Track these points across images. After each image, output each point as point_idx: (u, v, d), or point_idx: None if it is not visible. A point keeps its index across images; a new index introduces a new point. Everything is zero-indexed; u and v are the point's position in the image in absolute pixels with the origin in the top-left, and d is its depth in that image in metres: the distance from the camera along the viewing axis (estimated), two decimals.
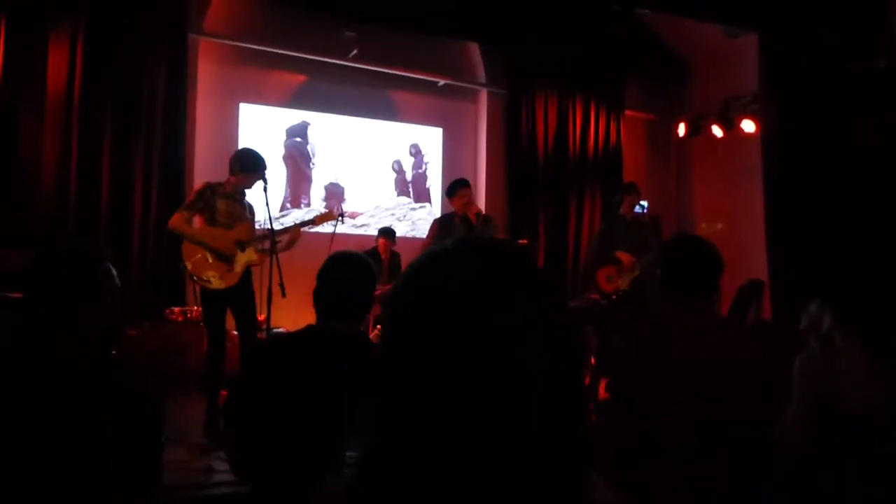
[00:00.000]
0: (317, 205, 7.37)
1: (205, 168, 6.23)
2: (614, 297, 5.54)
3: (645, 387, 2.07)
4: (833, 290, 2.59)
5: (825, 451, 2.16)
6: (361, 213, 7.65)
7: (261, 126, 7.11)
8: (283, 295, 4.01)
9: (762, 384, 2.07)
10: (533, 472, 0.64)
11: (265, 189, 4.24)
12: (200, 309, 4.80)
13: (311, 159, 7.47)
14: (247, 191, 4.38)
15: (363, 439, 0.69)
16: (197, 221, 4.22)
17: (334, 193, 7.48)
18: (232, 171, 4.28)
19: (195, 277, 4.18)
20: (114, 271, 1.93)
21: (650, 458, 2.01)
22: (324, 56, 7.14)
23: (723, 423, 1.98)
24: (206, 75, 6.77)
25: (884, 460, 1.79)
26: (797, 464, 2.22)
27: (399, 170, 7.94)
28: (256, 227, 4.53)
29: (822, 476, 2.20)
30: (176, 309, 5.83)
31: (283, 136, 7.29)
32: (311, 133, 7.45)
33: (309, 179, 7.45)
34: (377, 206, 7.77)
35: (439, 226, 5.25)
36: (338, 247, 5.75)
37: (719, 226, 6.22)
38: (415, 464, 0.64)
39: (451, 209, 5.38)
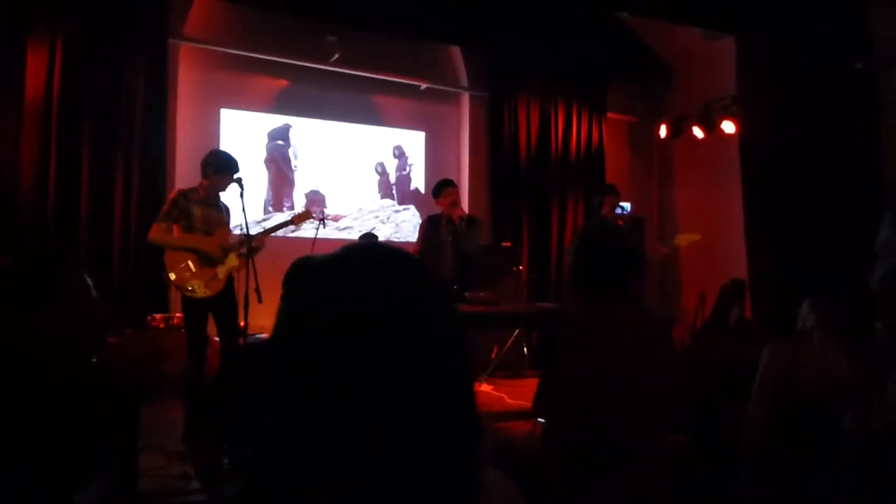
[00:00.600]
0: (300, 209, 7.35)
1: (186, 174, 6.20)
2: None
3: (568, 391, 2.08)
4: (817, 290, 2.60)
5: (781, 443, 2.17)
6: (344, 217, 7.64)
7: (243, 131, 7.10)
8: (260, 300, 4.00)
9: (674, 381, 2.10)
10: (418, 460, 0.65)
11: (241, 193, 4.22)
12: (182, 315, 4.78)
13: (292, 162, 7.45)
14: (221, 193, 4.37)
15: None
16: (174, 230, 4.20)
17: (315, 200, 7.46)
18: (205, 175, 4.26)
19: (180, 288, 4.17)
20: (89, 281, 1.93)
21: (585, 463, 2.02)
22: (305, 61, 7.14)
23: (642, 422, 2.00)
24: (187, 80, 6.75)
25: (842, 458, 1.81)
26: (755, 455, 2.24)
27: (382, 171, 7.94)
28: (233, 231, 4.52)
29: (779, 466, 2.22)
30: (157, 316, 5.81)
31: (265, 140, 7.27)
32: (293, 136, 7.43)
33: (291, 183, 7.44)
34: (360, 209, 7.77)
35: (428, 225, 5.30)
36: (320, 251, 5.79)
37: (697, 237, 6.30)
38: (303, 463, 0.65)
39: (436, 210, 5.40)
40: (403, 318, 0.68)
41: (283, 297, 0.75)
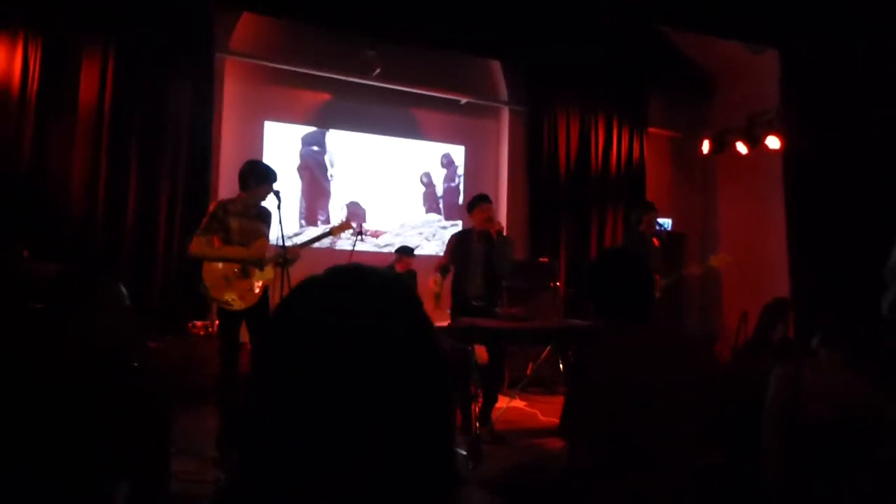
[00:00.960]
0: (336, 222, 7.42)
1: (229, 185, 6.32)
2: None
3: (601, 405, 2.07)
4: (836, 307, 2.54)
5: (792, 463, 2.12)
6: (385, 233, 7.66)
7: (285, 144, 7.23)
8: None
9: (705, 394, 2.07)
10: (394, 477, 0.67)
11: (279, 205, 4.28)
12: (218, 323, 4.86)
13: (328, 170, 7.48)
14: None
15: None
16: (214, 242, 4.27)
17: (356, 213, 7.49)
18: (244, 186, 4.31)
19: (216, 300, 4.23)
20: (123, 290, 2.01)
21: (614, 474, 2.01)
22: (347, 75, 7.25)
23: (668, 440, 1.98)
24: (232, 94, 6.92)
25: (853, 475, 1.76)
26: (779, 486, 2.18)
27: (428, 183, 7.94)
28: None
29: (793, 488, 2.17)
30: (198, 323, 5.94)
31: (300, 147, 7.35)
32: (330, 143, 7.47)
33: (327, 193, 7.48)
34: (403, 225, 7.79)
35: (456, 242, 5.24)
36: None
37: (730, 259, 6.19)
38: (279, 475, 0.67)
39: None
40: (373, 340, 0.70)
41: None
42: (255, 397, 0.73)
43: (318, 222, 7.35)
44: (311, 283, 0.77)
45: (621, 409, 2.06)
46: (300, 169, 7.33)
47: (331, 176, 7.47)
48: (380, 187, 7.69)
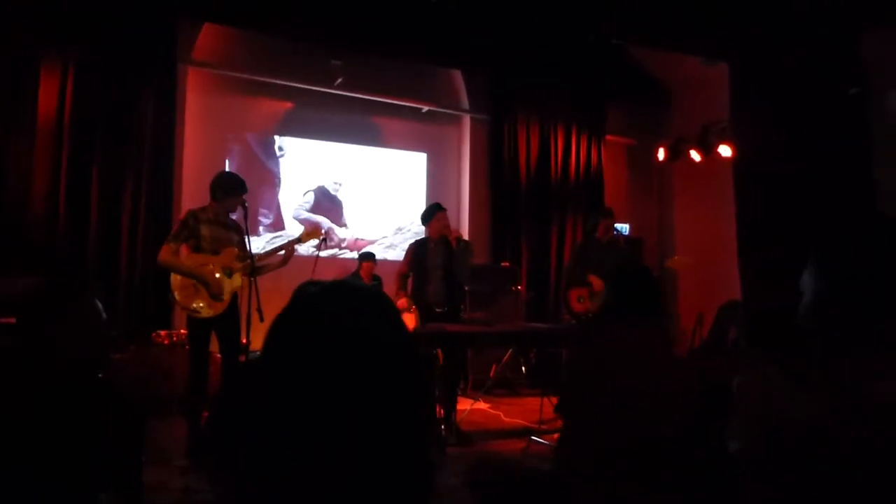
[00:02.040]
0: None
1: (193, 195, 6.34)
2: (585, 318, 5.66)
3: (593, 409, 2.19)
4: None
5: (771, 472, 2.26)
6: (372, 242, 7.86)
7: (248, 153, 7.26)
8: (261, 320, 4.09)
9: (704, 406, 2.18)
10: (372, 472, 0.78)
11: (245, 215, 4.35)
12: (186, 332, 4.89)
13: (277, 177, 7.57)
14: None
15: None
16: (183, 249, 4.32)
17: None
18: (214, 197, 4.37)
19: (184, 308, 4.27)
20: (99, 304, 2.06)
21: (603, 475, 2.12)
22: (310, 84, 7.31)
23: (667, 444, 2.09)
24: (195, 103, 6.93)
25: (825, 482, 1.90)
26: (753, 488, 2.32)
27: None
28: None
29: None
30: (162, 332, 5.92)
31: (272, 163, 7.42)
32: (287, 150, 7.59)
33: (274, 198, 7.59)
34: (400, 229, 8.03)
35: (414, 251, 5.32)
36: (321, 270, 5.92)
37: (690, 261, 6.41)
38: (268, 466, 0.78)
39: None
40: (354, 350, 0.81)
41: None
42: (258, 397, 0.83)
43: (261, 229, 7.36)
44: (308, 297, 0.87)
45: (614, 408, 2.17)
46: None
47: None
48: (347, 196, 7.78)
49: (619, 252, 6.18)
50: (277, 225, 7.43)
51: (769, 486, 1.02)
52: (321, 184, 7.75)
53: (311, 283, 0.92)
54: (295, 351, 0.83)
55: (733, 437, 2.51)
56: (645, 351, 2.27)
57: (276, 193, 7.49)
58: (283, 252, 4.55)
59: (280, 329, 0.87)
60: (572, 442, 2.38)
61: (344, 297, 0.87)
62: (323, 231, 5.75)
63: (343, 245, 7.80)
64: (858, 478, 0.87)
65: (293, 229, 7.40)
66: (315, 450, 0.77)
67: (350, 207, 7.85)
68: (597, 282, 5.75)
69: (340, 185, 7.89)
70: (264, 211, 7.39)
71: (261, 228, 7.30)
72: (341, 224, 7.81)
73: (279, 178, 7.49)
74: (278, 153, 7.46)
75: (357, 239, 7.88)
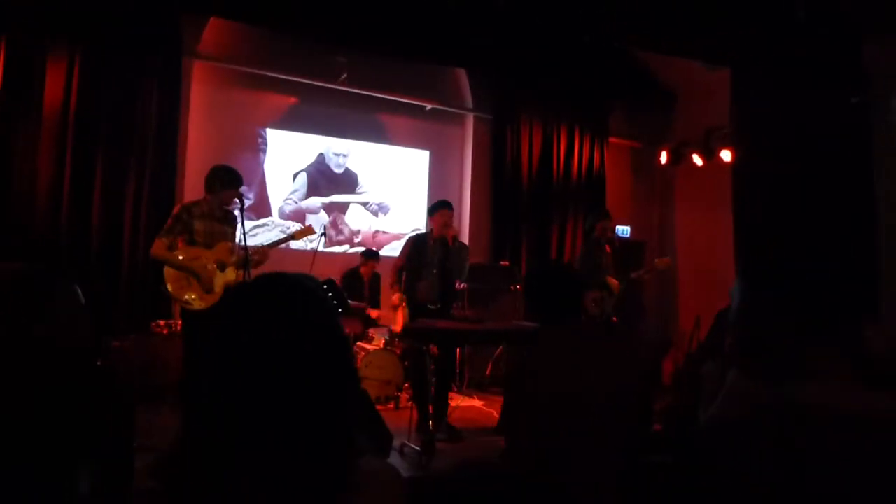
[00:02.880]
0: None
1: (196, 188, 6.36)
2: (598, 320, 5.70)
3: (529, 408, 2.22)
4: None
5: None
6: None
7: (252, 147, 7.32)
8: None
9: (635, 394, 2.22)
10: (304, 443, 0.83)
11: (241, 208, 4.40)
12: (181, 324, 4.96)
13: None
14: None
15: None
16: (178, 243, 4.37)
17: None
18: (209, 189, 4.44)
19: (176, 299, 4.34)
20: (78, 290, 2.09)
21: (546, 475, 2.15)
22: (314, 80, 7.37)
23: (605, 434, 2.13)
24: (199, 97, 6.99)
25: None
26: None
27: None
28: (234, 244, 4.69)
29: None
30: (161, 322, 6.00)
31: (274, 157, 7.47)
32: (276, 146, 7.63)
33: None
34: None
35: (412, 245, 5.36)
36: (320, 265, 5.97)
37: (668, 261, 6.50)
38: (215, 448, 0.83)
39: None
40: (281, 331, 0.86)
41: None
42: (198, 383, 0.88)
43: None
44: (236, 290, 0.93)
45: (552, 411, 2.21)
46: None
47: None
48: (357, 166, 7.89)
49: (618, 253, 6.22)
50: (262, 212, 7.45)
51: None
52: (316, 158, 7.74)
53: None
54: (214, 343, 0.88)
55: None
56: (565, 351, 2.29)
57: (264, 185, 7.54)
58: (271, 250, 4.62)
59: (214, 318, 0.92)
60: (516, 454, 2.39)
61: (266, 289, 0.92)
62: (321, 228, 5.81)
63: (356, 241, 7.85)
64: (775, 473, 0.92)
65: (280, 217, 7.49)
66: (243, 436, 0.82)
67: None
68: (614, 283, 5.83)
69: (346, 156, 7.87)
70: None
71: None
72: (350, 207, 7.84)
73: (263, 171, 7.51)
74: (268, 145, 7.48)
75: (377, 232, 7.93)
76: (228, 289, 0.91)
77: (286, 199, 7.56)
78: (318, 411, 0.86)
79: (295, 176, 7.63)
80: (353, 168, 7.91)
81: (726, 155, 7.68)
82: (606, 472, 2.21)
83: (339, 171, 7.84)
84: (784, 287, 1.09)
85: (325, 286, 1.02)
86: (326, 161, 7.78)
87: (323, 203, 7.70)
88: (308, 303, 0.92)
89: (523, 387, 2.27)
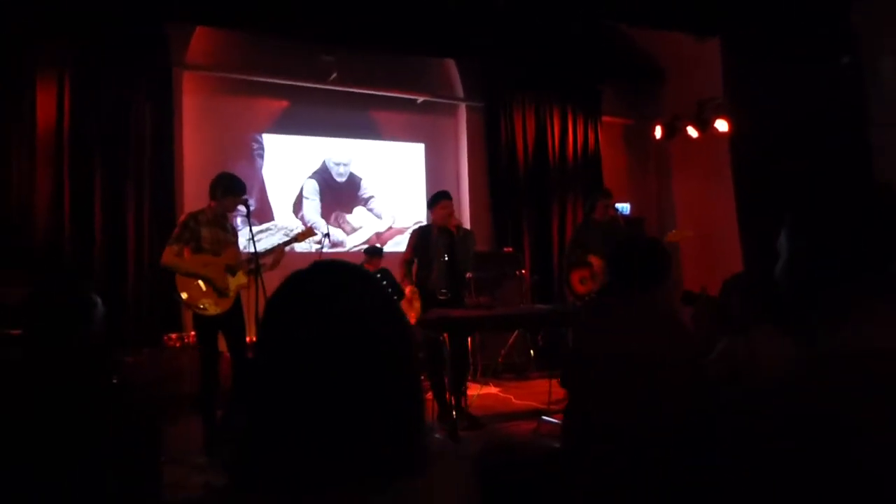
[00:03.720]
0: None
1: (194, 196, 6.39)
2: (588, 298, 5.70)
3: (590, 380, 2.25)
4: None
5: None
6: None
7: (247, 153, 7.31)
8: None
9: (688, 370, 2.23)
10: (374, 426, 0.84)
11: (248, 214, 4.42)
12: (195, 333, 4.96)
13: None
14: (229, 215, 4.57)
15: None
16: (185, 252, 4.39)
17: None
18: (213, 197, 4.45)
19: (191, 306, 4.35)
20: (97, 299, 2.09)
21: (600, 447, 2.17)
22: (304, 81, 7.35)
23: (662, 411, 2.15)
24: (192, 106, 6.98)
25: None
26: None
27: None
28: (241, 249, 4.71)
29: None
30: (173, 335, 6.01)
31: (271, 162, 7.47)
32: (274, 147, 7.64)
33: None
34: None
35: (417, 237, 5.37)
36: None
37: (690, 233, 6.44)
38: (286, 436, 0.83)
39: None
40: (348, 325, 0.87)
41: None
42: (257, 375, 0.88)
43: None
44: (298, 278, 0.93)
45: (608, 375, 2.23)
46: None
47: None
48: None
49: (619, 231, 6.21)
50: (264, 217, 7.45)
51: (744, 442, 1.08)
52: (319, 166, 7.77)
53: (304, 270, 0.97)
54: (282, 332, 0.88)
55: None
56: (642, 322, 2.33)
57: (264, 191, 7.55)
58: (274, 253, 4.64)
59: (268, 312, 0.92)
60: (576, 413, 2.44)
61: (327, 276, 0.92)
62: (320, 232, 5.83)
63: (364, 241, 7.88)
64: (827, 426, 0.92)
65: (282, 221, 7.47)
66: (311, 430, 0.83)
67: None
68: (596, 261, 5.80)
69: (347, 164, 7.89)
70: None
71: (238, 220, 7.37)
72: (353, 210, 7.87)
73: (262, 176, 7.53)
74: (264, 150, 7.48)
75: (378, 234, 7.95)
76: (290, 276, 0.91)
77: (306, 206, 7.59)
78: (392, 393, 0.87)
79: (303, 187, 7.65)
80: (356, 173, 7.91)
81: (721, 125, 7.68)
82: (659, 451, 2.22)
83: (341, 180, 7.86)
84: (836, 233, 1.10)
85: (378, 275, 1.02)
86: (329, 171, 7.78)
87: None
88: (373, 287, 0.93)
89: (596, 358, 2.29)
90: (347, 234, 7.83)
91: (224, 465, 0.94)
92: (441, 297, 5.14)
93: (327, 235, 6.27)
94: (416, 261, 5.30)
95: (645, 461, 2.10)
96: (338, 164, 7.83)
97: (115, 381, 4.93)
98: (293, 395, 0.84)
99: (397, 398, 0.87)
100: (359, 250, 7.59)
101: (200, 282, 4.34)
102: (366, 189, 7.98)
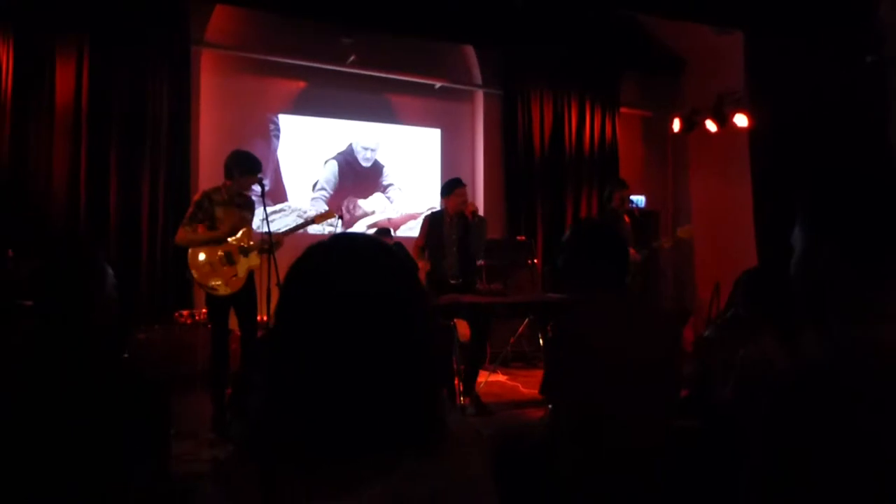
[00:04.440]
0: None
1: (210, 175, 6.40)
2: None
3: (574, 374, 2.22)
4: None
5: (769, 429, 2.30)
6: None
7: (263, 133, 7.32)
8: None
9: (672, 362, 2.21)
10: (392, 399, 0.83)
11: (262, 193, 4.41)
12: (206, 311, 4.99)
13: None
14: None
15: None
16: (199, 231, 4.39)
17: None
18: (228, 175, 4.43)
19: (202, 286, 4.37)
20: (109, 270, 2.09)
21: (589, 439, 2.16)
22: (322, 63, 7.34)
23: (644, 401, 2.14)
24: (209, 84, 6.98)
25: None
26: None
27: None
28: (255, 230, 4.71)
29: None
30: (184, 312, 6.05)
31: (287, 143, 7.47)
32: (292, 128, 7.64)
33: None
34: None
35: (430, 223, 5.35)
36: None
37: (692, 231, 6.44)
38: (302, 404, 0.83)
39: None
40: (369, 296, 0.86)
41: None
42: (277, 345, 0.88)
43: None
44: (317, 249, 0.93)
45: (595, 375, 2.21)
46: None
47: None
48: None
49: (637, 223, 6.20)
50: (278, 198, 7.45)
51: (768, 443, 1.07)
52: (346, 148, 7.77)
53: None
54: (300, 304, 0.88)
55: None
56: (615, 315, 2.29)
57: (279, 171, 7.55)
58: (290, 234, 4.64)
59: (287, 283, 0.92)
60: (559, 420, 2.39)
61: (345, 250, 0.92)
62: (337, 212, 5.83)
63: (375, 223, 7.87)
64: (853, 419, 0.91)
65: (296, 202, 7.49)
66: (327, 402, 0.83)
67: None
68: (632, 252, 5.80)
69: (374, 150, 7.89)
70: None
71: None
72: (369, 196, 7.87)
73: (277, 157, 7.52)
74: (280, 131, 7.48)
75: (390, 219, 7.96)
76: (308, 248, 0.90)
77: (319, 189, 7.59)
78: (410, 367, 0.86)
79: (326, 162, 7.64)
80: (380, 160, 7.92)
81: (740, 120, 7.60)
82: (644, 436, 2.22)
83: (367, 164, 7.86)
84: (851, 228, 1.08)
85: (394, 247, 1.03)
86: (354, 154, 7.78)
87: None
88: (392, 259, 0.92)
89: (568, 349, 2.27)
90: (358, 219, 7.83)
91: (234, 438, 0.94)
92: (453, 283, 5.14)
93: (341, 218, 6.27)
94: (427, 247, 5.29)
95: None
96: (365, 149, 7.83)
97: (126, 355, 5.00)
98: (310, 366, 0.84)
99: (415, 372, 0.86)
100: (369, 232, 7.60)
101: (211, 262, 4.33)
102: (387, 176, 7.97)
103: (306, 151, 7.59)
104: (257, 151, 6.62)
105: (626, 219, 6.14)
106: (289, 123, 7.50)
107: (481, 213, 7.78)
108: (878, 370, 0.93)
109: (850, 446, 0.91)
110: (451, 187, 5.30)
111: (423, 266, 5.21)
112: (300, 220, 5.05)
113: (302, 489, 0.81)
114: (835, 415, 0.92)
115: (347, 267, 0.88)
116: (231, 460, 0.91)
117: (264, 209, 4.42)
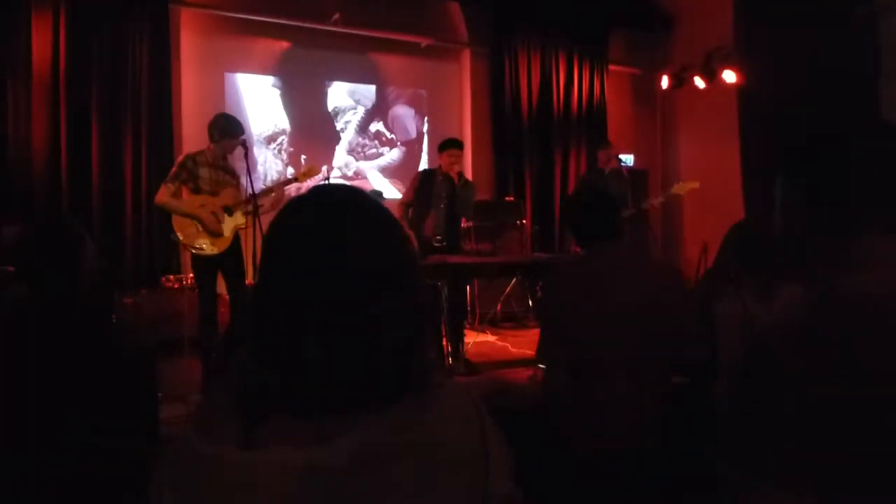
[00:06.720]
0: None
1: (192, 137, 6.33)
2: None
3: (568, 327, 2.22)
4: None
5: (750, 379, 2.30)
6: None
7: (246, 94, 7.20)
8: None
9: (672, 316, 2.20)
10: (374, 350, 0.82)
11: (246, 154, 4.36)
12: (193, 274, 4.96)
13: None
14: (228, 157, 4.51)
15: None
16: (183, 192, 4.35)
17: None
18: (211, 138, 4.39)
19: (187, 246, 4.34)
20: (87, 235, 2.06)
21: (584, 395, 2.16)
22: (306, 22, 7.19)
23: (641, 355, 2.13)
24: (190, 45, 6.83)
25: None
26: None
27: None
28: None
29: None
30: (171, 277, 6.01)
31: (268, 104, 7.36)
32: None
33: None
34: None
35: (420, 179, 5.33)
36: None
37: (695, 185, 6.38)
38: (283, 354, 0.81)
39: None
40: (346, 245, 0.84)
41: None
42: (259, 297, 0.86)
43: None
44: (300, 199, 0.91)
45: (588, 330, 2.20)
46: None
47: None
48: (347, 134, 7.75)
49: (624, 182, 6.16)
50: None
51: (750, 392, 1.06)
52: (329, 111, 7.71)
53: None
54: (283, 254, 0.87)
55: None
56: (607, 270, 2.29)
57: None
58: (274, 193, 4.58)
59: (269, 234, 0.90)
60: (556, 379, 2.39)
61: (323, 202, 0.89)
62: (323, 170, 5.76)
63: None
64: (832, 367, 0.91)
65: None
66: (311, 353, 0.81)
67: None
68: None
69: (355, 111, 7.83)
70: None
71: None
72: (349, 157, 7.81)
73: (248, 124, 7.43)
74: (264, 92, 7.38)
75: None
76: (291, 200, 0.89)
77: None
78: (395, 317, 0.84)
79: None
80: (365, 120, 7.86)
81: (728, 76, 7.55)
82: (641, 394, 2.20)
83: (348, 125, 7.77)
84: (832, 177, 1.07)
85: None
86: (337, 115, 7.70)
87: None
88: (376, 209, 0.90)
89: (559, 310, 2.26)
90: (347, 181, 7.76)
91: (215, 389, 0.93)
92: (436, 245, 5.12)
93: (327, 180, 6.21)
94: (414, 203, 5.25)
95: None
96: (347, 110, 7.72)
97: (113, 319, 4.98)
98: (293, 317, 0.82)
99: (399, 322, 0.85)
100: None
101: (197, 222, 4.32)
102: (374, 140, 7.88)
103: (292, 113, 7.47)
104: (240, 113, 6.56)
105: (625, 172, 6.09)
106: (273, 84, 7.37)
107: (469, 173, 7.77)
108: (852, 318, 0.92)
109: (832, 395, 0.91)
110: (445, 146, 5.27)
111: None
112: (282, 180, 4.99)
113: (284, 438, 0.80)
114: (814, 364, 0.92)
115: (326, 217, 0.86)
116: (212, 408, 0.90)
117: (248, 170, 4.36)
